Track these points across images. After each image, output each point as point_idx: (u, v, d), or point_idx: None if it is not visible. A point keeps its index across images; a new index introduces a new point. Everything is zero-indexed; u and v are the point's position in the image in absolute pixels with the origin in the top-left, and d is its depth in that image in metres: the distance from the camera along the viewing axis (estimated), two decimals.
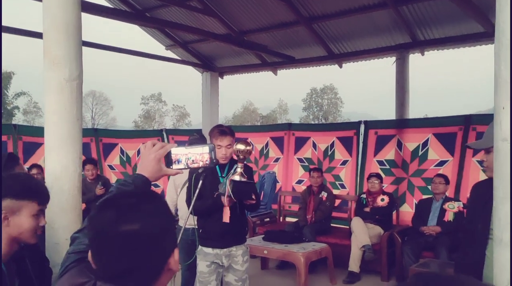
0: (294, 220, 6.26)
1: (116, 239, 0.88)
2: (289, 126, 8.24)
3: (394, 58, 7.13)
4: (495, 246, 1.32)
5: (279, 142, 8.15)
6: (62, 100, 2.58)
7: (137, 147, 8.16)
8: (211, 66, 8.88)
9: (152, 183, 1.40)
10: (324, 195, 5.73)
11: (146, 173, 1.35)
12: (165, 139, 8.65)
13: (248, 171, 3.09)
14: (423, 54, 7.05)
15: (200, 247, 3.12)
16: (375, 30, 6.89)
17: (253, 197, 2.87)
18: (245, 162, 2.88)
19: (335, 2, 6.55)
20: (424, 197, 5.79)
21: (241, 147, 2.78)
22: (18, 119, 40.86)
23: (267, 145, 8.32)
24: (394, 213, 5.79)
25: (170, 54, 8.84)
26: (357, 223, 5.08)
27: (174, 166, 1.42)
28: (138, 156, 8.18)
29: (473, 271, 1.70)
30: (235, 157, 2.92)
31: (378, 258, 4.99)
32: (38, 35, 5.37)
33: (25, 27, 6.40)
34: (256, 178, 8.03)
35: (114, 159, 7.93)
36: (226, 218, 2.90)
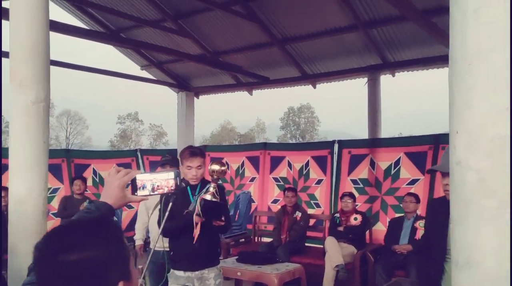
0: (269, 240, 6.23)
1: (53, 269, 0.87)
2: (265, 146, 8.28)
3: (366, 79, 7.30)
4: (453, 266, 1.35)
5: (254, 161, 8.17)
6: (28, 123, 2.53)
7: (111, 168, 8.04)
8: (187, 86, 8.90)
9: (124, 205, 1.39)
10: (298, 214, 5.74)
11: (109, 200, 1.34)
12: (140, 160, 8.56)
13: (221, 192, 3.08)
14: (394, 75, 7.24)
15: (171, 270, 3.08)
16: (347, 51, 7.06)
17: (223, 218, 2.86)
18: (219, 182, 2.87)
19: (307, 24, 6.70)
20: (397, 215, 5.87)
21: (215, 167, 2.78)
22: None
23: (242, 164, 8.32)
24: (368, 232, 5.84)
25: (145, 74, 8.83)
26: (330, 243, 5.10)
27: (139, 192, 1.42)
28: None
29: None
30: (208, 178, 2.92)
31: (351, 278, 5.00)
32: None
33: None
34: (231, 198, 8.01)
35: (87, 180, 7.79)
36: (196, 234, 2.88)
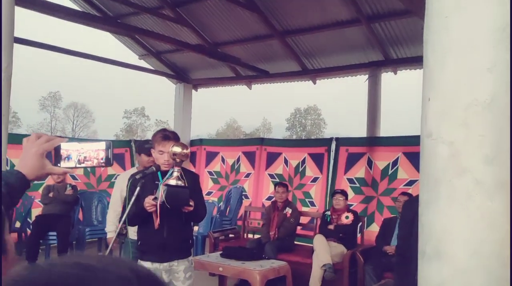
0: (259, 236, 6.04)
1: None
2: (262, 141, 8.10)
3: (366, 76, 7.08)
4: (419, 259, 1.14)
5: (251, 157, 7.98)
6: None
7: None
8: (185, 78, 8.72)
9: (35, 181, 1.20)
10: (288, 211, 5.54)
11: (25, 169, 1.15)
12: (133, 151, 8.39)
13: (190, 177, 2.89)
14: (395, 73, 7.01)
15: (138, 261, 2.89)
16: (348, 46, 6.84)
17: (191, 203, 2.66)
18: (182, 167, 2.67)
19: (308, 16, 6.50)
20: (391, 216, 5.65)
21: (177, 149, 2.58)
22: None
23: (238, 159, 8.14)
24: (360, 232, 5.63)
25: (143, 64, 8.66)
26: (319, 241, 4.89)
27: (63, 164, 1.23)
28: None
29: None
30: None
31: (340, 278, 4.79)
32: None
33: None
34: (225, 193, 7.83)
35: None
36: (156, 223, 2.69)
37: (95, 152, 1.24)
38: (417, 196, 1.82)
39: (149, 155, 3.41)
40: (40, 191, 6.24)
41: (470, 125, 1.02)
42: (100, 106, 61.85)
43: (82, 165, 1.25)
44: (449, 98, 1.05)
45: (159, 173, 2.79)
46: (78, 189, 7.19)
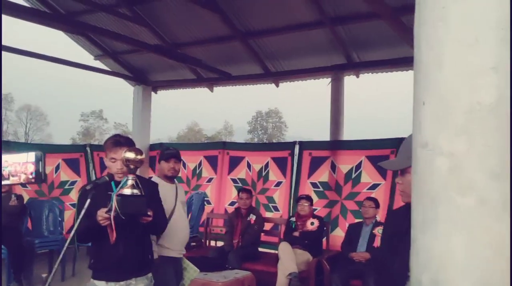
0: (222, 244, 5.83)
1: None
2: (224, 145, 7.88)
3: (329, 79, 7.02)
4: None
5: (213, 161, 7.76)
6: None
7: (56, 163, 7.44)
8: (144, 80, 8.39)
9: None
10: (252, 217, 5.36)
11: None
12: (89, 156, 7.98)
13: (148, 186, 2.65)
14: (358, 77, 6.99)
15: (91, 280, 2.61)
16: (312, 49, 6.75)
17: (149, 213, 2.42)
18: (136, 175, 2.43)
19: (271, 18, 6.36)
20: (357, 221, 5.59)
21: (130, 155, 2.33)
22: None
23: (200, 164, 7.89)
24: (325, 238, 5.53)
25: (99, 65, 8.25)
26: (284, 249, 4.73)
27: None
28: (56, 172, 7.45)
29: None
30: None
31: None
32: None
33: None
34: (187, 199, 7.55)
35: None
36: (112, 238, 2.43)
37: (23, 166, 1.01)
38: (401, 208, 1.68)
39: (169, 161, 3.45)
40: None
41: (472, 133, 0.87)
42: (55, 109, 59.46)
43: (7, 182, 1.01)
44: (448, 102, 0.90)
45: (112, 183, 2.54)
46: (28, 197, 6.74)
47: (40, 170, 1.03)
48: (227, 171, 7.54)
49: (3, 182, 1.01)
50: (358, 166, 6.19)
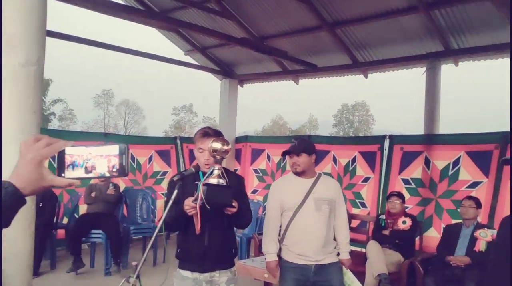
0: None
1: None
2: (308, 138, 7.75)
3: (424, 69, 6.55)
4: None
5: None
6: (17, 89, 2.20)
7: (149, 154, 7.84)
8: (231, 73, 8.52)
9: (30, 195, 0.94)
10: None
11: (18, 181, 0.90)
12: (179, 148, 8.28)
13: (235, 179, 2.63)
14: (457, 65, 6.43)
15: (178, 270, 2.66)
16: (404, 37, 6.34)
17: (234, 204, 2.38)
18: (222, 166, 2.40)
19: (360, 6, 6.07)
20: (453, 221, 5.15)
21: (217, 145, 2.31)
22: (54, 125, 41.93)
23: (284, 157, 7.84)
24: (418, 238, 5.17)
25: (189, 59, 8.54)
26: (373, 248, 4.49)
27: (68, 173, 0.97)
28: (149, 163, 7.85)
29: None
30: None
31: None
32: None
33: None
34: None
35: None
36: (197, 228, 2.43)
37: (105, 159, 0.98)
38: None
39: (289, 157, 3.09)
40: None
41: None
42: (150, 103, 63.40)
43: (91, 175, 0.99)
44: None
45: (200, 173, 2.55)
46: (124, 185, 7.19)
47: (124, 163, 0.99)
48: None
49: (87, 175, 0.99)
50: (456, 162, 5.70)
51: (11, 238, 2.23)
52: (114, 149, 0.99)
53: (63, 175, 0.97)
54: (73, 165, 0.97)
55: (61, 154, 0.97)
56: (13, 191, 0.89)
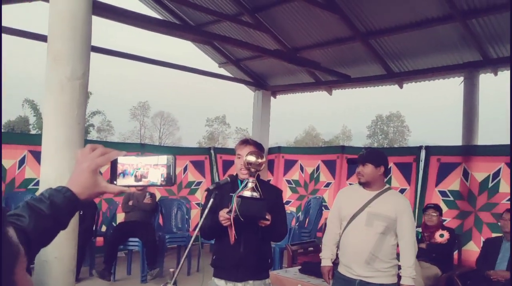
0: None
1: None
2: (342, 149, 7.73)
3: (461, 78, 6.41)
4: None
5: (331, 166, 7.64)
6: (62, 101, 2.33)
7: (184, 164, 7.98)
8: (264, 85, 8.61)
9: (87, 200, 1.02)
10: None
11: (75, 187, 0.98)
12: (213, 158, 8.40)
13: (273, 192, 2.66)
14: (496, 74, 6.28)
15: (213, 278, 2.70)
16: (440, 46, 6.25)
17: (268, 217, 2.40)
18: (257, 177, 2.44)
19: (394, 15, 6.04)
20: (494, 235, 4.99)
21: (251, 158, 2.35)
22: (92, 136, 43.35)
23: (318, 168, 7.82)
24: (456, 252, 5.03)
25: (223, 72, 8.69)
26: None
27: (119, 181, 1.05)
28: (184, 173, 8.00)
29: None
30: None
31: None
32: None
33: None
34: (303, 204, 7.53)
35: None
36: (231, 238, 2.47)
37: (154, 168, 1.05)
38: None
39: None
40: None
41: None
42: (184, 115, 64.57)
43: (140, 183, 1.06)
44: None
45: (238, 181, 2.60)
46: (160, 195, 7.35)
47: (171, 174, 1.05)
48: (346, 176, 7.35)
49: (136, 183, 1.06)
50: (496, 174, 5.54)
51: (56, 243, 2.34)
52: (162, 159, 1.05)
53: (115, 182, 1.04)
54: (124, 173, 1.04)
55: (114, 163, 1.04)
56: (70, 196, 0.96)
